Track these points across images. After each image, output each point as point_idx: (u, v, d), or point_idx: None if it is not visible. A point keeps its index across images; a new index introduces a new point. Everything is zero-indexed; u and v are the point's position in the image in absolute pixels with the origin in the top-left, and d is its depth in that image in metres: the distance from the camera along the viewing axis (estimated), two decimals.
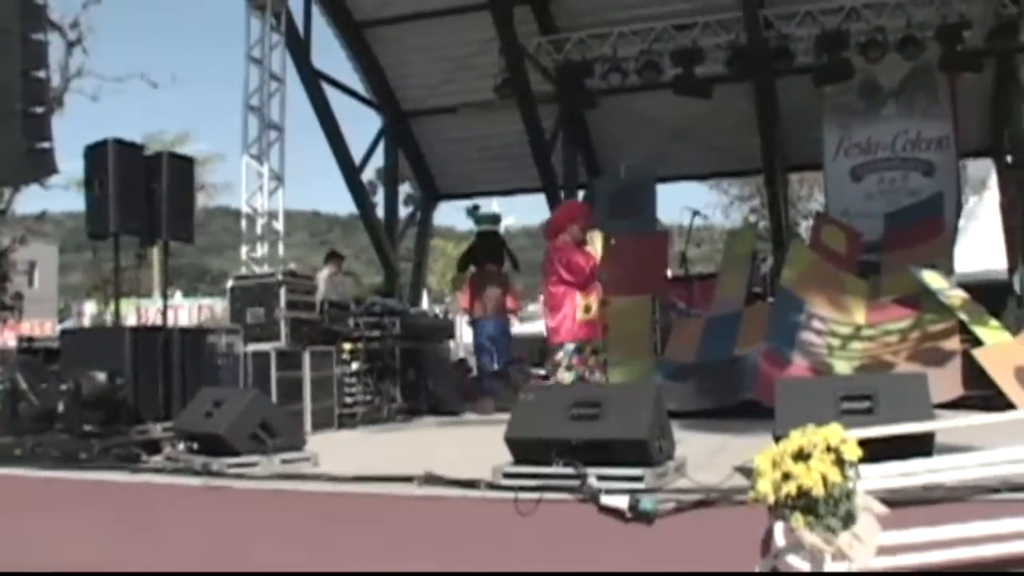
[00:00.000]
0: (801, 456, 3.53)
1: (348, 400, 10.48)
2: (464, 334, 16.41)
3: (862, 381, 6.11)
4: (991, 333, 9.70)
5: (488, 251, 13.19)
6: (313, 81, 15.26)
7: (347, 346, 10.68)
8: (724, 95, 15.31)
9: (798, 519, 3.48)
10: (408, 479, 5.39)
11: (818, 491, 3.43)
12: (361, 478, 5.60)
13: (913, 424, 4.64)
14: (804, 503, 3.46)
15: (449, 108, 17.34)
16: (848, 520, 3.49)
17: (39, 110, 7.84)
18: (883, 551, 3.64)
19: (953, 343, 9.78)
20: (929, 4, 13.87)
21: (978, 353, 9.28)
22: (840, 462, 3.51)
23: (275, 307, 9.42)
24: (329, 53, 16.51)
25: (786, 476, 3.50)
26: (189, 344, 8.52)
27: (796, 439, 3.61)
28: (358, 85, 17.53)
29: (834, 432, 3.60)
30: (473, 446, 7.71)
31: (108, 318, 15.93)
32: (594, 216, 9.17)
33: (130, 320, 12.26)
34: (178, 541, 5.71)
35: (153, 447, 7.42)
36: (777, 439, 4.74)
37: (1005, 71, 15.44)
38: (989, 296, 10.69)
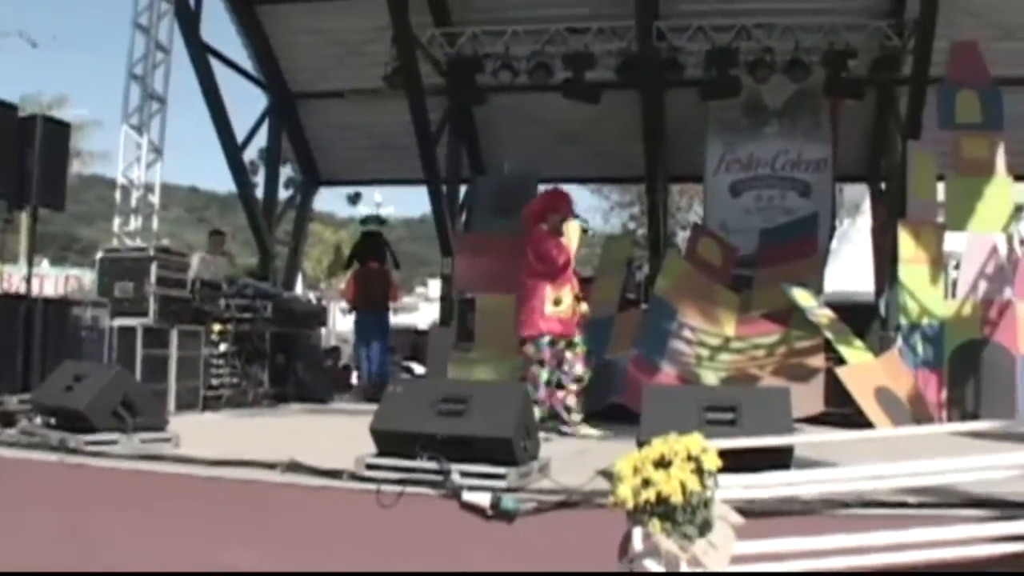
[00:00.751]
0: (662, 463, 3.57)
1: (214, 382, 10.33)
2: (337, 322, 16.34)
3: (727, 393, 6.23)
4: (855, 353, 9.99)
5: (372, 249, 14.04)
6: (200, 54, 14.88)
7: (216, 327, 10.51)
8: (612, 102, 15.43)
9: (656, 525, 3.52)
10: (271, 466, 5.33)
11: (676, 498, 3.47)
12: (223, 462, 5.51)
13: (774, 437, 4.75)
14: (662, 510, 3.50)
15: (337, 93, 17.11)
16: (704, 528, 3.54)
17: None
18: (737, 560, 3.71)
19: (818, 360, 10.06)
20: (818, 30, 14.25)
21: (841, 372, 9.56)
22: (700, 471, 3.56)
23: (145, 282, 9.21)
24: (219, 27, 16.18)
25: (646, 482, 3.53)
26: (53, 315, 8.30)
27: (658, 446, 3.65)
28: (247, 62, 17.23)
29: (695, 441, 3.65)
30: (339, 435, 7.63)
31: None
32: (571, 207, 8.73)
33: None
34: (32, 517, 5.55)
35: (7, 419, 7.18)
36: (640, 445, 4.80)
37: (885, 101, 15.88)
38: (855, 317, 11.04)
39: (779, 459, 4.84)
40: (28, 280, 9.39)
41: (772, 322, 11.03)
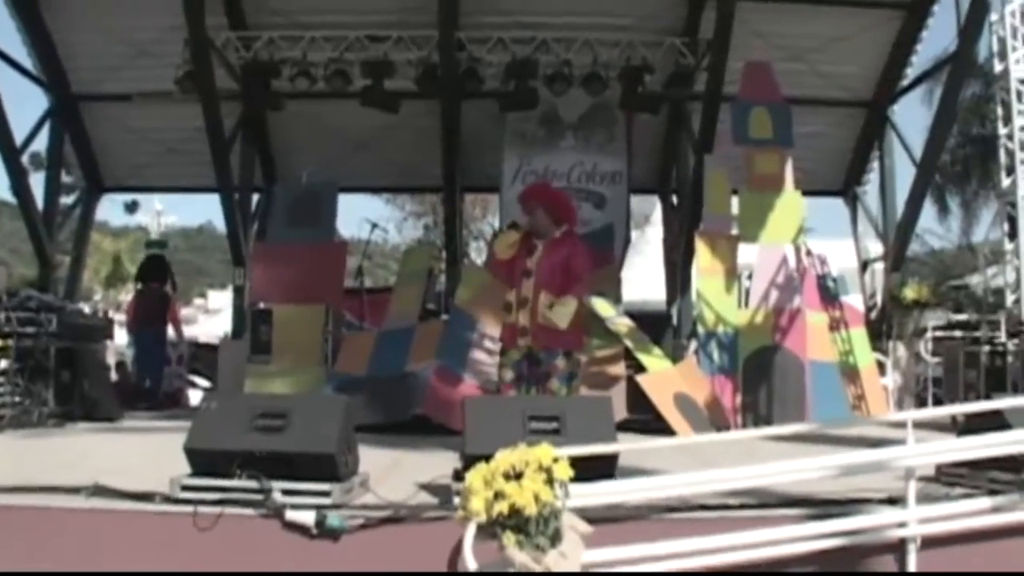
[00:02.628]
0: (513, 475, 3.52)
1: None
2: (119, 337, 15.75)
3: (549, 403, 6.22)
4: (654, 361, 10.25)
5: (154, 271, 15.39)
6: None
7: None
8: (409, 111, 15.38)
9: (509, 537, 3.48)
10: (75, 490, 5.00)
11: (531, 510, 3.44)
12: (18, 488, 5.12)
13: (601, 445, 4.76)
14: (515, 522, 3.46)
15: (124, 95, 16.38)
16: (556, 538, 3.52)
17: None
18: (585, 567, 3.73)
19: (618, 368, 10.29)
20: (615, 46, 14.60)
21: (641, 379, 9.79)
22: (551, 481, 3.53)
23: None
24: None
25: (498, 495, 3.47)
26: None
27: (508, 458, 3.61)
28: (26, 60, 16.25)
29: (546, 452, 3.63)
30: (140, 455, 7.33)
31: None
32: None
33: None
34: None
35: None
36: (467, 458, 4.74)
37: (678, 116, 16.42)
38: (649, 326, 11.33)
39: (604, 467, 4.86)
40: None
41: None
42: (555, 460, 3.61)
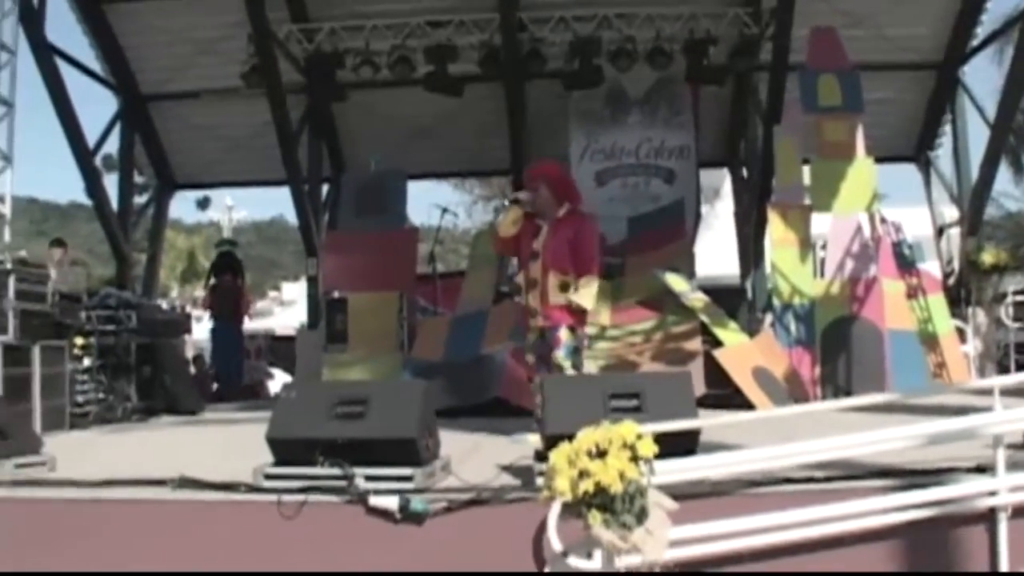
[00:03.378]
0: (597, 453, 3.49)
1: (80, 399, 9.79)
2: (197, 331, 16.06)
3: (629, 380, 6.18)
4: (730, 335, 10.15)
5: (226, 266, 16.00)
6: (45, 55, 14.22)
7: (79, 341, 10.02)
8: (473, 95, 15.39)
9: (595, 516, 3.45)
10: (161, 482, 5.06)
11: (616, 488, 3.41)
12: (108, 482, 5.21)
13: (682, 421, 4.72)
14: (601, 500, 3.43)
15: (191, 93, 16.62)
16: (642, 516, 3.49)
17: None
18: (672, 545, 3.70)
19: (695, 344, 10.19)
20: (678, 19, 14.44)
21: (719, 354, 9.69)
22: (635, 459, 3.50)
23: (2, 297, 8.70)
24: (64, 28, 15.52)
25: (583, 473, 3.45)
26: None
27: (591, 436, 3.58)
28: (95, 64, 16.53)
29: (630, 429, 3.59)
30: (222, 446, 7.39)
31: None
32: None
33: None
34: None
35: None
36: (548, 438, 4.72)
37: (744, 87, 16.24)
38: (723, 300, 11.20)
39: (686, 443, 4.82)
40: None
41: (646, 309, 11.13)
42: (639, 437, 3.58)
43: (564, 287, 7.13)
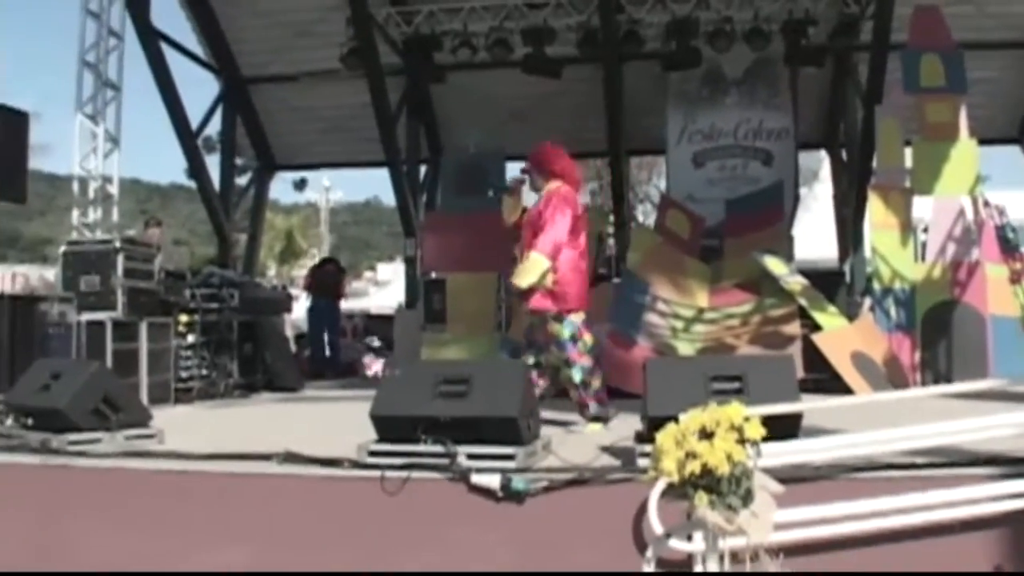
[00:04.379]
0: (704, 434, 3.49)
1: (184, 374, 10.09)
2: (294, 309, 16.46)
3: (731, 362, 6.14)
4: (829, 319, 10.02)
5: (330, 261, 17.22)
6: (151, 40, 14.50)
7: (184, 318, 10.28)
8: (570, 75, 15.35)
9: (701, 498, 3.45)
10: (266, 457, 5.16)
11: (723, 470, 3.40)
12: (215, 456, 5.33)
13: (784, 404, 4.67)
14: (707, 482, 3.42)
15: (290, 76, 16.87)
16: (747, 498, 3.47)
17: None
18: (776, 528, 3.68)
19: (793, 327, 10.07)
20: None
21: (818, 338, 9.57)
22: (742, 441, 3.49)
23: (111, 275, 8.94)
24: (167, 13, 15.84)
25: (690, 454, 3.44)
26: (19, 312, 8.05)
27: (698, 417, 3.57)
28: (197, 47, 16.85)
29: (737, 411, 3.57)
30: (323, 423, 7.52)
31: None
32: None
33: None
34: (11, 522, 5.33)
35: None
36: (650, 419, 4.72)
37: (843, 68, 15.94)
38: (822, 284, 11.04)
39: (789, 426, 4.77)
40: None
41: (744, 291, 11.04)
42: (746, 419, 3.56)
43: None
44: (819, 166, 22.09)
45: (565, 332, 6.79)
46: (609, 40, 14.30)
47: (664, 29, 14.54)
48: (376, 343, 18.39)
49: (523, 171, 7.28)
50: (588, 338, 6.90)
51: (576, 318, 6.85)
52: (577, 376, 6.76)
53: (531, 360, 6.87)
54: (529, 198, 7.28)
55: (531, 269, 6.72)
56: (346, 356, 16.24)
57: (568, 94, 15.99)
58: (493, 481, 4.57)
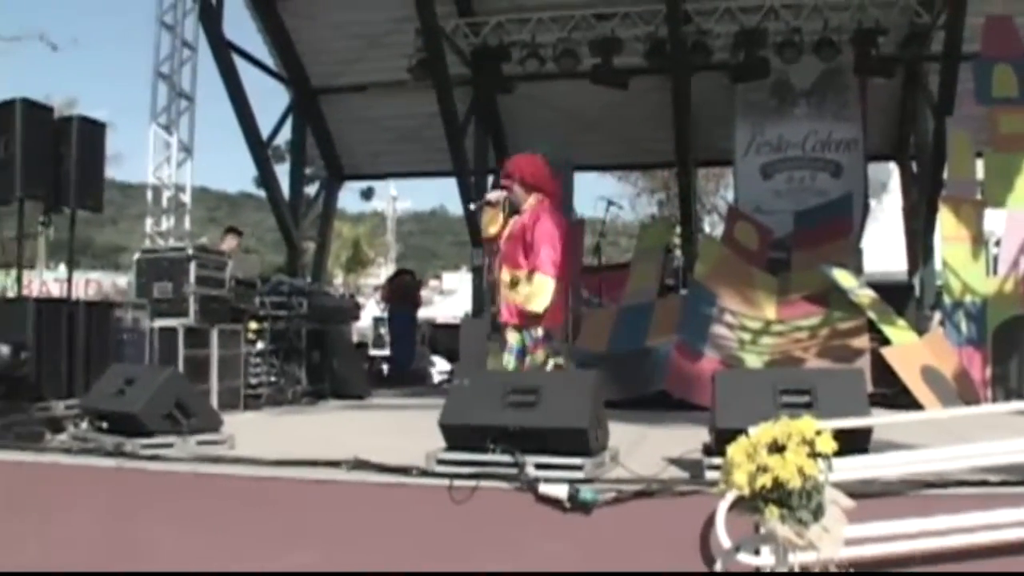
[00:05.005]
0: (775, 448, 3.47)
1: (253, 381, 10.23)
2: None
3: (800, 375, 6.10)
4: (898, 332, 9.90)
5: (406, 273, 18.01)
6: (223, 51, 14.77)
7: (253, 325, 10.42)
8: (638, 86, 15.36)
9: (772, 511, 3.43)
10: (336, 464, 5.22)
11: (794, 484, 3.38)
12: (284, 462, 5.39)
13: (855, 419, 4.64)
14: (778, 495, 3.40)
15: (359, 86, 17.04)
16: (818, 513, 3.45)
17: None
18: (847, 543, 3.65)
19: (862, 341, 9.96)
20: (846, 9, 14.14)
21: (887, 352, 9.47)
22: (814, 455, 3.47)
23: (184, 282, 9.08)
24: (239, 24, 16.09)
25: (761, 468, 3.43)
26: (94, 318, 8.21)
27: (769, 431, 3.55)
28: (268, 59, 17.14)
29: (809, 424, 3.55)
30: (391, 431, 7.56)
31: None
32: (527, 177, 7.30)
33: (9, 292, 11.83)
34: (86, 524, 5.46)
35: (55, 425, 7.10)
36: (718, 432, 4.70)
37: (914, 78, 15.80)
38: (891, 297, 10.93)
39: (858, 441, 4.72)
40: (68, 284, 9.31)
41: (813, 304, 10.94)
42: (818, 433, 3.54)
43: (514, 282, 7.01)
44: (888, 178, 21.82)
45: (519, 343, 7.01)
46: (677, 51, 14.28)
47: (732, 40, 14.51)
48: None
49: (504, 184, 7.28)
50: (540, 355, 6.99)
51: (536, 332, 6.98)
52: None
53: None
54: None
55: (542, 291, 6.86)
56: (417, 364, 16.38)
57: (635, 105, 15.97)
58: (561, 491, 4.58)
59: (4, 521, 5.67)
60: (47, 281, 11.70)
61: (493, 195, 7.35)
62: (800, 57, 14.40)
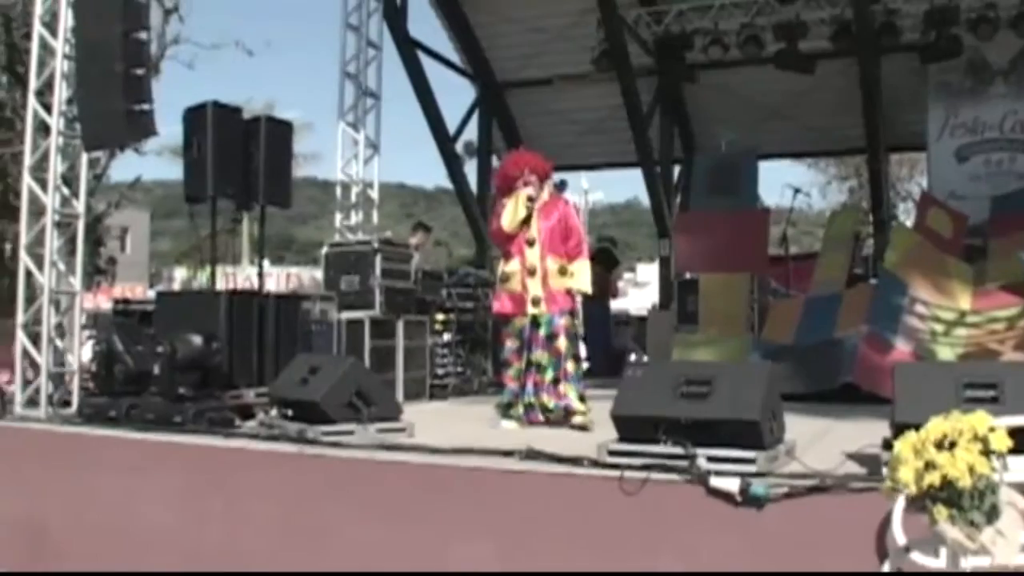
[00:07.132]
0: (945, 444, 3.30)
1: (439, 371, 10.42)
2: None
3: (986, 368, 5.81)
4: None
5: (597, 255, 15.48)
6: (408, 49, 15.09)
7: (440, 316, 10.60)
8: (824, 71, 15.00)
9: (940, 511, 3.26)
10: (508, 453, 5.29)
11: (964, 482, 3.20)
12: (460, 450, 5.51)
13: None
14: (947, 495, 3.23)
15: (544, 80, 17.15)
16: (992, 515, 3.25)
17: (139, 72, 7.69)
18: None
19: None
20: None
21: None
22: (987, 452, 3.27)
23: (370, 275, 9.34)
24: (424, 22, 16.39)
25: (929, 465, 3.26)
26: (284, 310, 8.52)
27: (939, 426, 3.38)
28: (453, 55, 17.41)
29: (981, 420, 3.36)
30: None
31: (197, 284, 16.19)
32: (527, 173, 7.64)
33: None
34: (262, 507, 5.69)
35: (246, 412, 7.43)
36: (897, 426, 4.52)
37: None
38: None
39: None
40: (260, 277, 9.69)
41: (1011, 294, 10.41)
42: (992, 429, 3.34)
43: (563, 271, 7.44)
44: None
45: (574, 328, 7.56)
46: (864, 33, 13.85)
47: (922, 19, 13.88)
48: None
49: (536, 179, 7.61)
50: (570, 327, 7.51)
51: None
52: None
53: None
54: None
55: (587, 272, 7.63)
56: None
57: (823, 90, 15.58)
58: (732, 485, 4.50)
59: (192, 502, 5.94)
60: (250, 276, 12.29)
61: (531, 191, 7.54)
62: (996, 33, 13.68)
